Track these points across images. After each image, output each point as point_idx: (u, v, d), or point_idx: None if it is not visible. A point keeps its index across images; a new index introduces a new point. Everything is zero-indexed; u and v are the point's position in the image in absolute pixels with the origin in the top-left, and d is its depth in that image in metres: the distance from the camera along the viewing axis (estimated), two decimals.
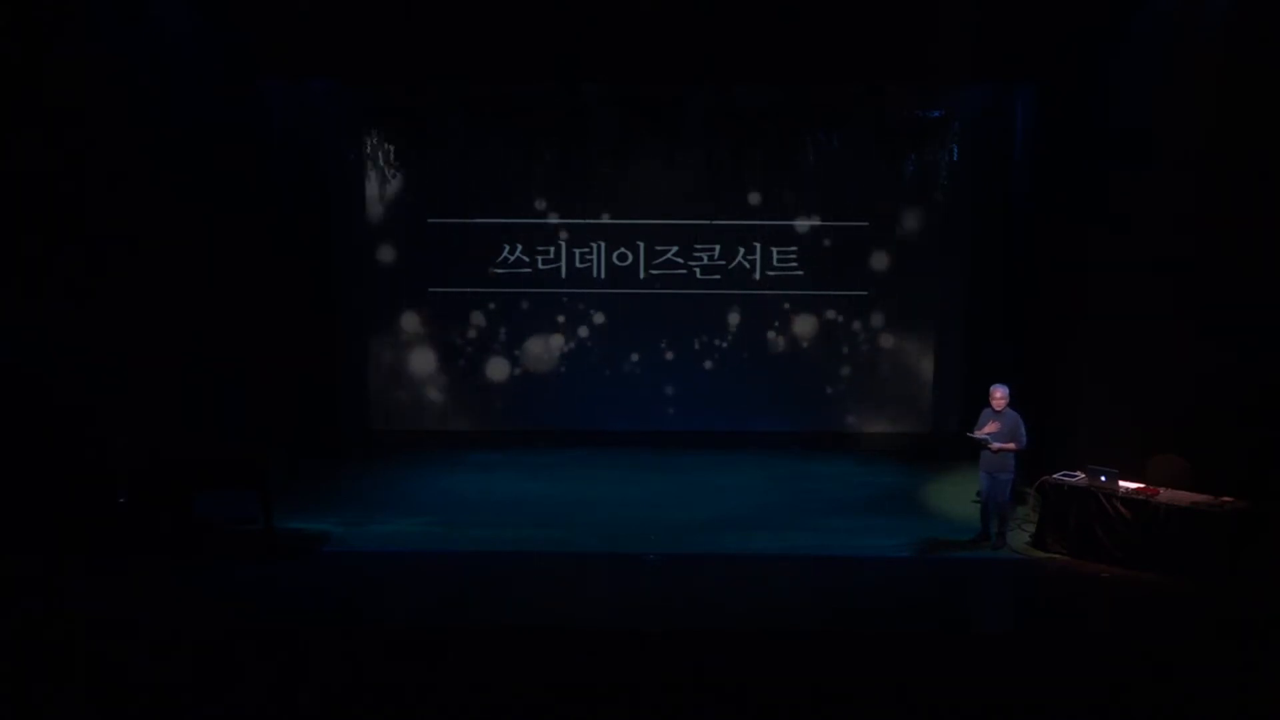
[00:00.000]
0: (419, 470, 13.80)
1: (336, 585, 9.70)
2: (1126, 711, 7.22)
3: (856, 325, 15.55)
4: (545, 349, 15.60)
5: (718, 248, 15.49)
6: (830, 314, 15.56)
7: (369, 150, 15.16)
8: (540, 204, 15.39)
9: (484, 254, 15.44)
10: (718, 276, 15.55)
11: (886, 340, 15.56)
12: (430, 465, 14.03)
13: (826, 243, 15.44)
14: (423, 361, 15.60)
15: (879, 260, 15.44)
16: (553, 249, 15.48)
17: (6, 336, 9.73)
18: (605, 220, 15.45)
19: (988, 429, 10.46)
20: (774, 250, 15.49)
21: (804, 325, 15.57)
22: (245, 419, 12.40)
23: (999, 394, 10.47)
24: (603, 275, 15.53)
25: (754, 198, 15.38)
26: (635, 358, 15.59)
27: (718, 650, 8.25)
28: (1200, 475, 10.16)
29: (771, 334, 15.58)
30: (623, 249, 15.50)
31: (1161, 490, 10.08)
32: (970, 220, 14.47)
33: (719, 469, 13.87)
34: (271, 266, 13.16)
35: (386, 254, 15.41)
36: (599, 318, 15.55)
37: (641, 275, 15.53)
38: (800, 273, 15.51)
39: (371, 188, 15.21)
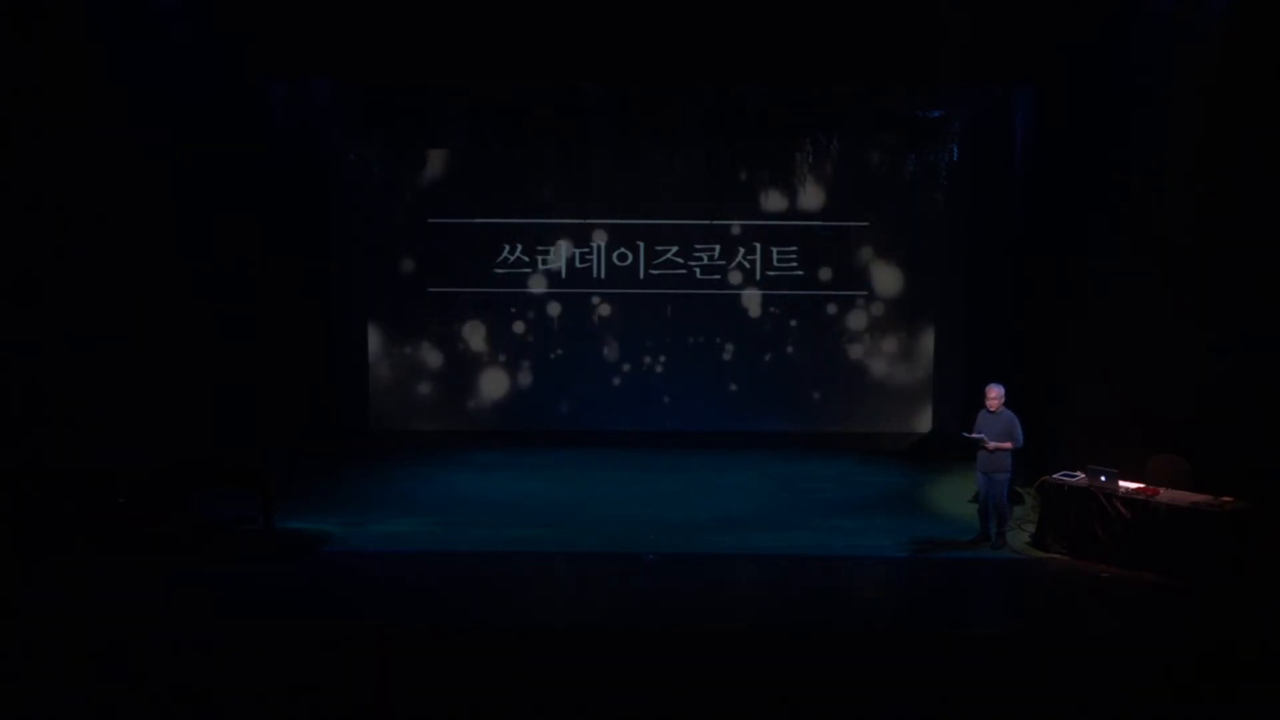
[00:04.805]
0: (419, 470, 13.79)
1: (336, 585, 9.69)
2: (1126, 712, 7.22)
3: (856, 325, 15.56)
4: (545, 349, 15.60)
5: (718, 248, 15.50)
6: (830, 314, 15.56)
7: (369, 150, 15.16)
8: (540, 204, 15.39)
9: (484, 254, 15.45)
10: (718, 276, 15.56)
11: (886, 340, 15.57)
12: (430, 465, 14.02)
13: (826, 243, 15.45)
14: (423, 361, 15.60)
15: (879, 260, 15.45)
16: (553, 249, 15.49)
17: (6, 336, 9.73)
18: (605, 220, 15.45)
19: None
20: (774, 250, 15.50)
21: (804, 325, 15.57)
22: (245, 419, 12.40)
23: (994, 394, 10.44)
24: (603, 275, 15.54)
25: (754, 197, 15.39)
26: (635, 357, 15.60)
27: (718, 650, 8.25)
28: (1200, 475, 10.15)
29: (771, 334, 15.58)
30: (623, 249, 15.50)
31: (1161, 490, 10.07)
32: (970, 220, 14.47)
33: (719, 469, 13.86)
34: (271, 266, 13.16)
35: (386, 254, 15.41)
36: (599, 317, 15.56)
37: (641, 275, 15.54)
38: (800, 273, 15.52)
39: (371, 187, 15.22)
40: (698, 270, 15.55)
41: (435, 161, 15.25)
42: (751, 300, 15.56)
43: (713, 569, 10.26)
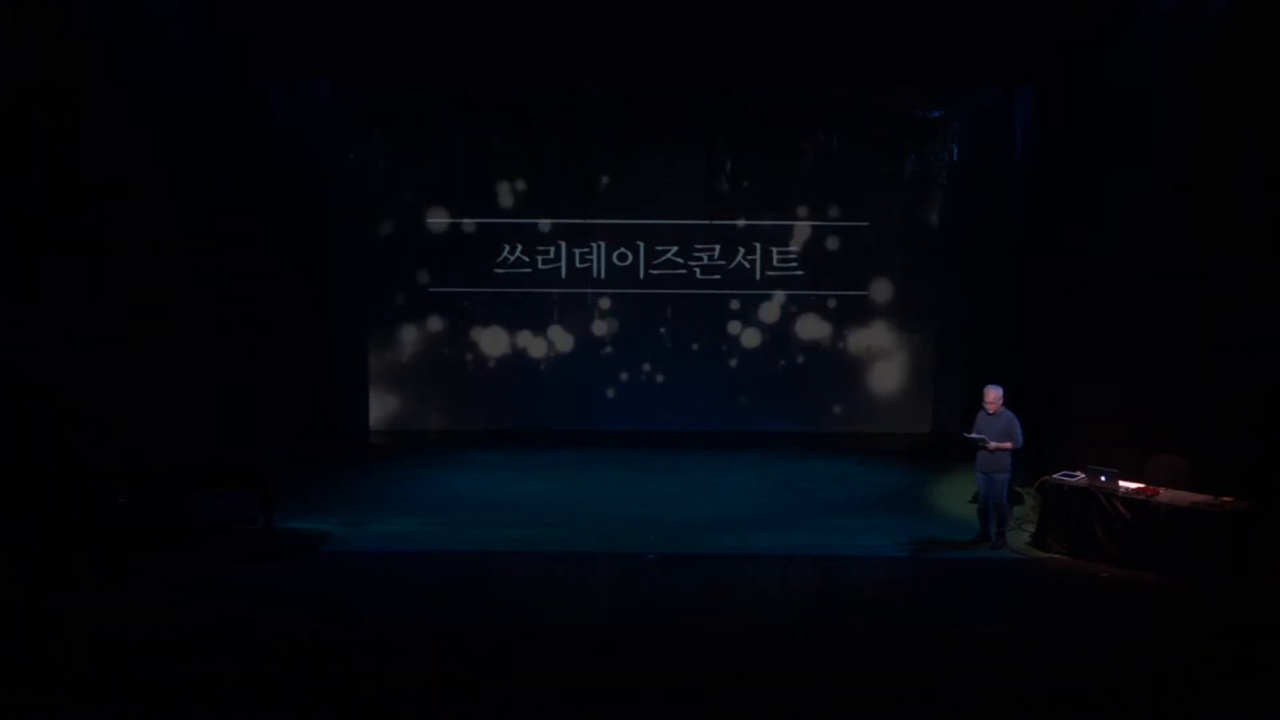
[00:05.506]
0: (419, 470, 13.79)
1: (336, 585, 9.69)
2: (1125, 712, 7.22)
3: (856, 325, 15.57)
4: (545, 349, 15.61)
5: (718, 248, 15.51)
6: (830, 314, 15.57)
7: (369, 150, 15.17)
8: (540, 204, 15.39)
9: (484, 254, 15.46)
10: (718, 276, 15.57)
11: (886, 340, 15.58)
12: (430, 465, 14.02)
13: (826, 243, 15.46)
14: (422, 361, 15.61)
15: (879, 260, 15.46)
16: (552, 249, 15.49)
17: (6, 336, 9.73)
18: (605, 220, 15.46)
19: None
20: (774, 250, 15.51)
21: (804, 325, 15.59)
22: (245, 419, 12.40)
23: (992, 396, 10.41)
24: (602, 275, 15.55)
25: (754, 198, 15.40)
26: (635, 358, 15.61)
27: (717, 650, 8.25)
28: (1200, 475, 10.15)
29: (771, 334, 15.59)
30: (623, 249, 15.51)
31: (1161, 490, 10.07)
32: (970, 219, 14.47)
33: (719, 469, 13.86)
34: (271, 266, 13.15)
35: (386, 254, 15.42)
36: (599, 318, 15.57)
37: (641, 275, 15.55)
38: (800, 273, 15.53)
39: (371, 188, 15.23)
40: (698, 270, 15.56)
41: (435, 161, 15.25)
42: (751, 300, 15.56)
43: (713, 569, 10.25)
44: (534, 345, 15.61)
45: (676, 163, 15.24)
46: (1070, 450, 11.16)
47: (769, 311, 15.57)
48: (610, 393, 15.64)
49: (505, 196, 15.38)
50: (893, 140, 15.22)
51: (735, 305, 15.59)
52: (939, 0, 11.50)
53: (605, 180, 15.30)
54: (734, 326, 15.60)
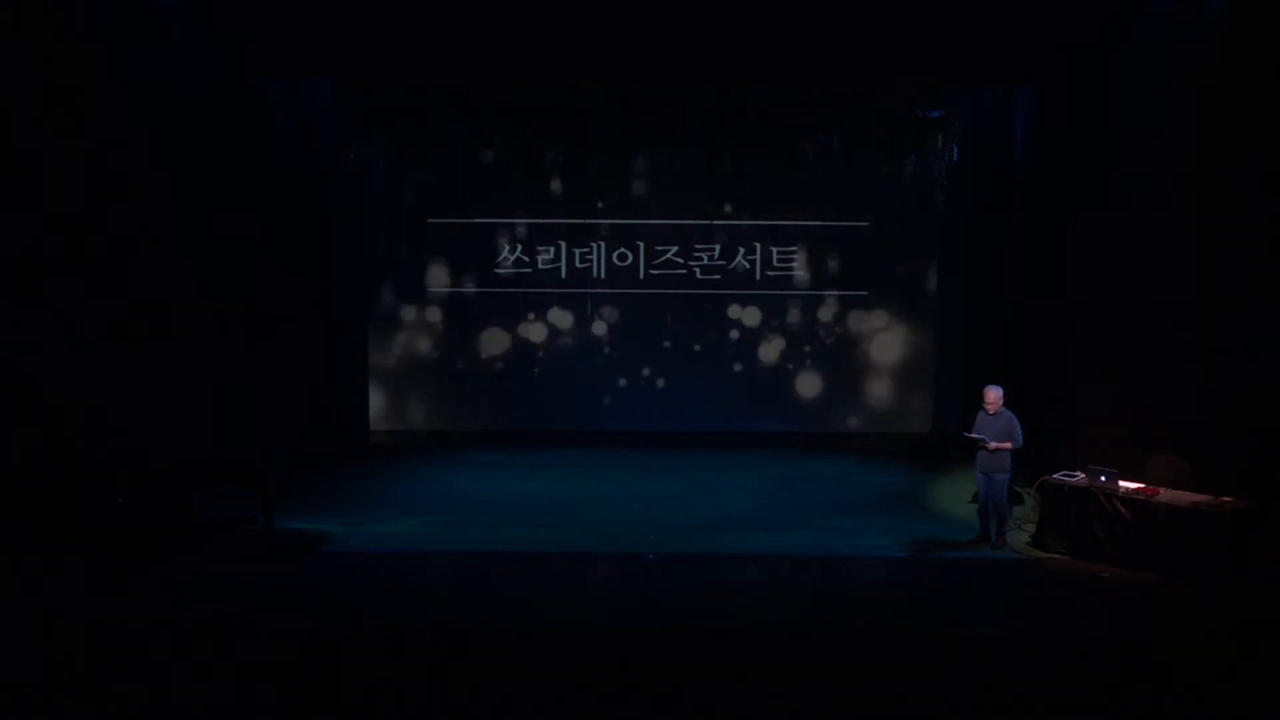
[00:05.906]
0: (419, 470, 13.79)
1: (336, 585, 9.69)
2: (1125, 711, 7.22)
3: (856, 325, 15.57)
4: (545, 349, 15.61)
5: (718, 248, 15.53)
6: (830, 314, 15.57)
7: (369, 150, 15.17)
8: (540, 204, 15.40)
9: (484, 254, 15.47)
10: (718, 276, 15.58)
11: (886, 340, 15.58)
12: (430, 465, 14.03)
13: (826, 243, 15.46)
14: (422, 361, 15.60)
15: (879, 260, 15.47)
16: (552, 249, 15.49)
17: (6, 336, 9.73)
18: (605, 220, 15.46)
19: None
20: (774, 250, 15.51)
21: (804, 325, 15.58)
22: (245, 419, 12.40)
23: (992, 396, 10.41)
24: (603, 275, 15.55)
25: (754, 198, 15.41)
26: (635, 358, 15.61)
27: (717, 650, 8.24)
28: (1200, 475, 10.15)
29: (771, 334, 15.60)
30: (623, 249, 15.52)
31: (1161, 490, 10.07)
32: (970, 220, 14.46)
33: (719, 469, 13.86)
34: (271, 266, 13.15)
35: (386, 254, 15.43)
36: (599, 318, 15.57)
37: (641, 275, 15.56)
38: (800, 273, 15.53)
39: (371, 188, 15.23)
40: (698, 270, 15.56)
41: (435, 161, 15.25)
42: (751, 300, 15.57)
43: (713, 569, 10.25)
44: (534, 345, 15.61)
45: (676, 163, 15.25)
46: (1070, 450, 11.17)
47: (769, 311, 15.57)
48: (610, 393, 15.65)
49: (505, 196, 15.38)
50: (893, 140, 15.23)
51: (735, 305, 15.59)
52: (939, 0, 11.50)
53: (605, 180, 15.30)
54: (734, 326, 15.60)
